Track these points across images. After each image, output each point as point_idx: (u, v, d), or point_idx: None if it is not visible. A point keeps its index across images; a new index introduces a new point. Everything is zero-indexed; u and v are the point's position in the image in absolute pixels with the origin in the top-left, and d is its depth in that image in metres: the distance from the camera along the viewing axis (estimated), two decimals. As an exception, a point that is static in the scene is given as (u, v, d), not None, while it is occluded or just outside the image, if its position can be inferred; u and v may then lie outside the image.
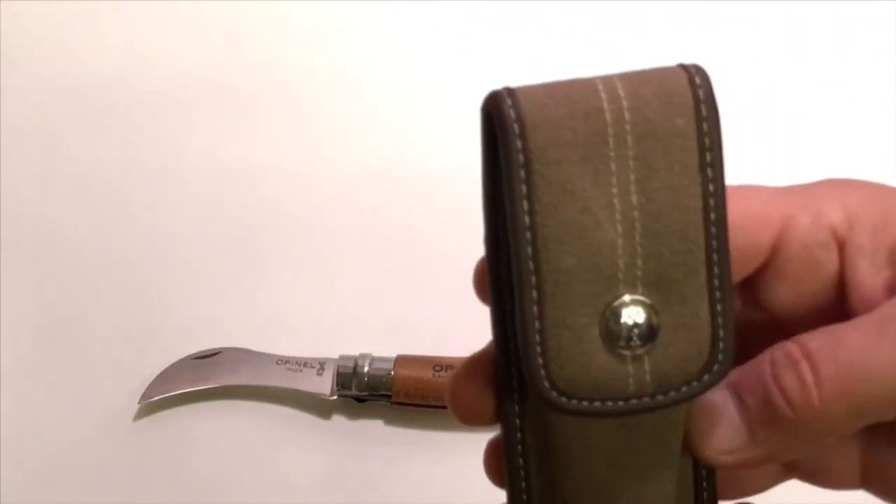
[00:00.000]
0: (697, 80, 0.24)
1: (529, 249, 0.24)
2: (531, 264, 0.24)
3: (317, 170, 0.63)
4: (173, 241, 0.61)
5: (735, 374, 0.25)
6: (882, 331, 0.24)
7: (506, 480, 0.28)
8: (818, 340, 0.24)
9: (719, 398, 0.26)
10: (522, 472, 0.28)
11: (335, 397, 0.54)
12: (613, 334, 0.24)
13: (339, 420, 0.55)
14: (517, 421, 0.27)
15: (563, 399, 0.25)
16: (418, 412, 0.54)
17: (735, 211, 0.25)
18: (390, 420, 0.55)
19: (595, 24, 0.70)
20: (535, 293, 0.24)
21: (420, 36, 0.68)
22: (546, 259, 0.24)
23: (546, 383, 0.24)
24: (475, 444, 0.53)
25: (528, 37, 0.69)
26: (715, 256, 0.25)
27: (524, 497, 0.28)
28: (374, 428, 0.55)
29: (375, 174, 0.63)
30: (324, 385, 0.54)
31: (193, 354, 0.56)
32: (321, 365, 0.55)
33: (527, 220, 0.24)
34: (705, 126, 0.24)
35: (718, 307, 0.25)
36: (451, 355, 0.53)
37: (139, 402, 0.55)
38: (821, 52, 0.69)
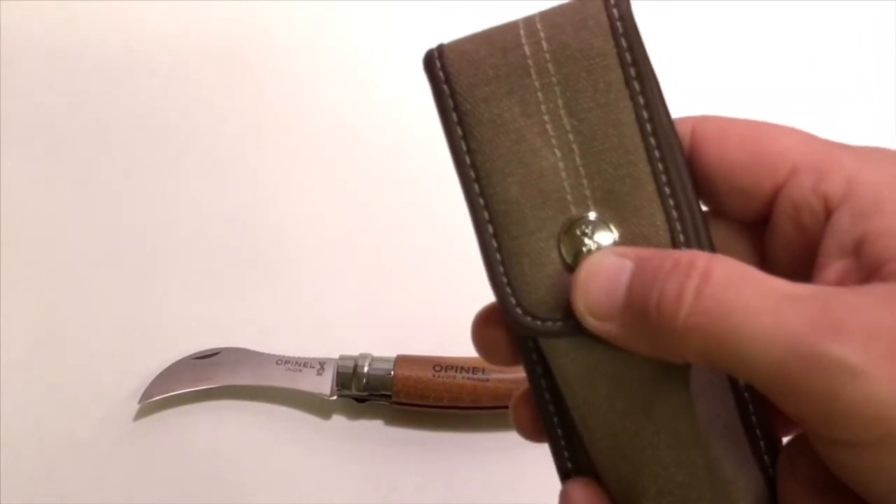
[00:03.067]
0: (612, 1, 0.25)
1: (476, 186, 0.26)
2: (481, 200, 0.26)
3: (317, 170, 0.64)
4: (173, 242, 0.61)
5: (650, 251, 0.25)
6: (779, 304, 0.23)
7: (537, 413, 0.29)
8: (725, 271, 0.23)
9: (618, 261, 0.25)
10: (551, 407, 0.28)
11: (335, 397, 0.54)
12: (572, 253, 0.25)
13: (339, 420, 0.55)
14: (534, 355, 0.28)
15: (538, 323, 0.26)
16: (418, 412, 0.54)
17: (746, 156, 0.26)
18: (390, 420, 0.55)
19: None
20: (490, 227, 0.26)
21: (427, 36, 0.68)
22: (493, 192, 0.25)
23: (518, 310, 0.26)
24: (475, 444, 0.54)
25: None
26: (660, 165, 0.25)
27: (557, 428, 0.28)
28: (374, 428, 0.55)
29: (376, 174, 0.63)
30: (324, 385, 0.54)
31: (193, 354, 0.56)
32: (321, 365, 0.55)
33: (468, 158, 0.26)
34: (624, 42, 0.25)
35: (674, 213, 0.25)
36: (451, 355, 0.53)
37: (139, 402, 0.55)
38: (821, 52, 0.69)
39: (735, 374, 0.25)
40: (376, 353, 0.55)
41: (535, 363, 0.28)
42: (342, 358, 0.55)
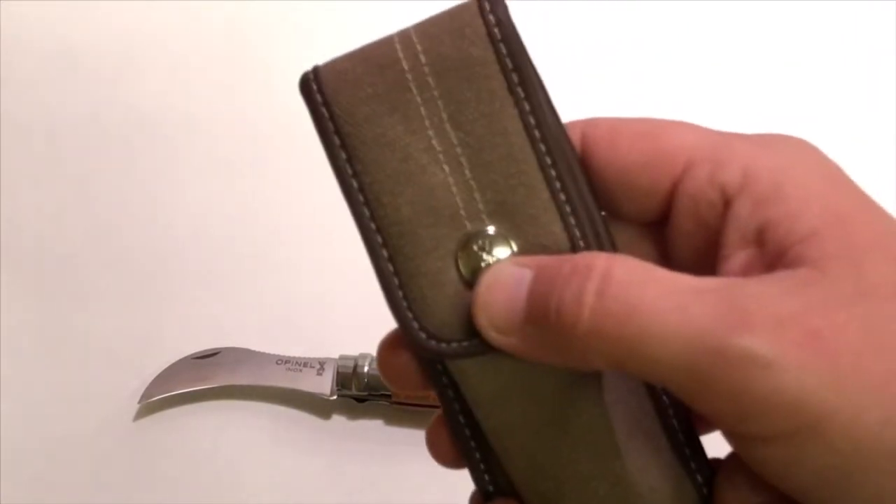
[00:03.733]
0: (487, 7, 0.25)
1: (366, 210, 0.25)
2: (372, 224, 0.25)
3: (317, 170, 0.63)
4: (174, 242, 0.61)
5: (550, 259, 0.24)
6: (684, 300, 0.22)
7: (452, 438, 0.28)
8: (626, 271, 0.23)
9: (518, 271, 0.24)
10: (467, 431, 0.27)
11: (335, 397, 0.54)
12: (471, 270, 0.25)
13: (339, 420, 0.55)
14: (444, 379, 0.27)
15: (443, 345, 0.25)
16: (418, 412, 0.54)
17: (639, 155, 0.25)
18: (390, 420, 0.55)
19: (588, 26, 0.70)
20: (384, 251, 0.25)
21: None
22: (384, 215, 0.25)
23: (422, 334, 0.25)
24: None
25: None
26: (553, 171, 0.25)
27: (474, 452, 0.28)
28: (374, 428, 0.55)
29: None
30: (324, 385, 0.54)
31: (193, 354, 0.56)
32: (321, 365, 0.55)
33: (354, 182, 0.25)
34: (503, 48, 0.24)
35: (572, 219, 0.25)
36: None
37: (139, 402, 0.55)
38: (821, 52, 0.69)
39: (645, 378, 0.24)
40: (376, 353, 0.54)
41: (446, 387, 0.27)
42: (342, 358, 0.55)
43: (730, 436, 0.23)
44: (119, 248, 0.61)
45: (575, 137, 0.26)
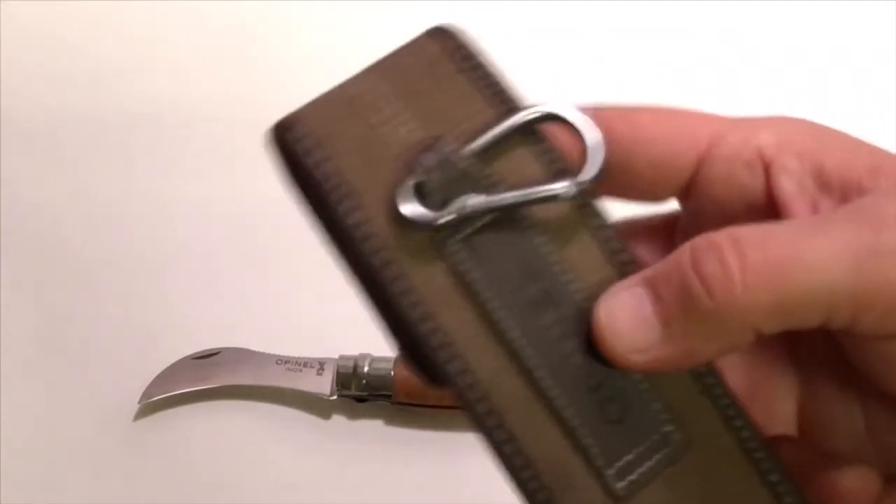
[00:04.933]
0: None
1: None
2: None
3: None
4: (173, 241, 0.61)
5: (650, 270, 0.24)
6: (816, 227, 0.22)
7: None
8: (747, 230, 0.23)
9: (632, 294, 0.24)
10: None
11: (335, 397, 0.54)
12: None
13: (339, 420, 0.55)
14: None
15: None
16: (418, 412, 0.54)
17: (661, 128, 0.25)
18: (390, 420, 0.55)
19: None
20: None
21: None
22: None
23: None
24: (475, 444, 0.53)
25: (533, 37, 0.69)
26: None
27: None
28: (374, 428, 0.55)
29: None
30: (324, 385, 0.54)
31: (193, 354, 0.56)
32: (321, 365, 0.55)
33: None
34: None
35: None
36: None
37: (139, 402, 0.55)
38: (821, 53, 0.69)
39: (812, 314, 0.23)
40: (376, 353, 0.54)
41: None
42: (342, 358, 0.55)
43: (887, 341, 0.24)
44: (119, 247, 0.61)
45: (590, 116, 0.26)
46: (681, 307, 0.23)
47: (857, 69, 0.68)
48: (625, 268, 0.25)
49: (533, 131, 0.25)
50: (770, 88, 0.67)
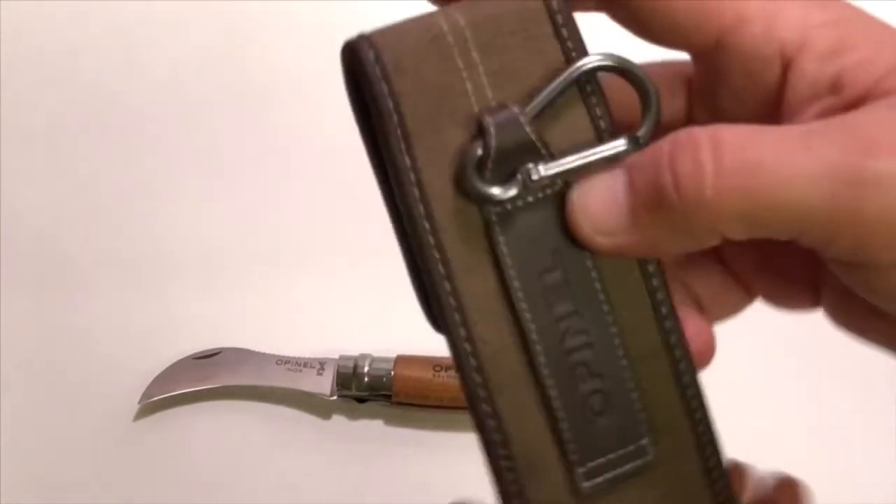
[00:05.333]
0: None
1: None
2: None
3: (317, 169, 0.63)
4: (173, 241, 0.61)
5: (634, 156, 0.24)
6: (802, 140, 0.22)
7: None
8: (733, 132, 0.22)
9: (609, 176, 0.24)
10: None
11: (335, 397, 0.54)
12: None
13: (339, 420, 0.55)
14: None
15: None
16: (418, 412, 0.54)
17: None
18: (390, 420, 0.55)
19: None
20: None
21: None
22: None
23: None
24: (475, 444, 0.53)
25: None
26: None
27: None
28: (374, 428, 0.55)
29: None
30: (324, 385, 0.54)
31: (193, 354, 0.56)
32: (321, 365, 0.55)
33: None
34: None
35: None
36: (451, 355, 0.53)
37: (139, 402, 0.55)
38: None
39: (780, 230, 0.23)
40: (376, 353, 0.55)
41: None
42: (342, 358, 0.55)
43: (861, 271, 0.23)
44: (119, 247, 0.61)
45: None
46: (650, 199, 0.23)
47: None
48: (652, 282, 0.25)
49: (590, 87, 0.25)
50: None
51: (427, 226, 0.24)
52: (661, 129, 0.25)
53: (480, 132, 0.24)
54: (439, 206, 0.24)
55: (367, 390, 0.54)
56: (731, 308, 0.29)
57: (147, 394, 0.55)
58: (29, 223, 0.62)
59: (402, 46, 0.25)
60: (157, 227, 0.62)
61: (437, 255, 0.24)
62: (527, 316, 0.24)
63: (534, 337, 0.24)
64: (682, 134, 0.22)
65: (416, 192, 0.24)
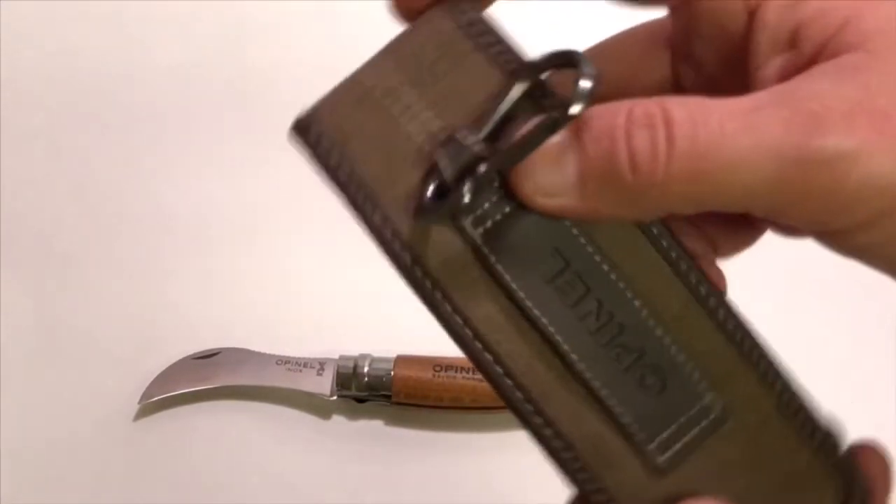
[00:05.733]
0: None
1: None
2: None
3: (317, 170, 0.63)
4: (173, 241, 0.61)
5: (586, 122, 0.23)
6: (750, 120, 0.22)
7: None
8: (683, 110, 0.22)
9: (557, 136, 0.23)
10: None
11: (335, 397, 0.54)
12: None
13: (339, 420, 0.55)
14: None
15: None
16: (418, 412, 0.54)
17: None
18: (390, 420, 0.55)
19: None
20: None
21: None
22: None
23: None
24: (475, 444, 0.54)
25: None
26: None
27: None
28: (374, 428, 0.55)
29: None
30: (324, 385, 0.54)
31: (193, 354, 0.56)
32: (321, 365, 0.55)
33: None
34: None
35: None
36: (451, 355, 0.53)
37: (139, 402, 0.55)
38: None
39: (728, 208, 0.23)
40: (376, 353, 0.55)
41: None
42: (342, 358, 0.55)
43: (821, 235, 0.24)
44: (119, 247, 0.61)
45: None
46: (601, 170, 0.23)
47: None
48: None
49: (540, 89, 0.24)
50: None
51: (419, 272, 0.25)
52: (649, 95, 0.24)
53: (431, 168, 0.24)
54: (423, 248, 0.24)
55: (367, 390, 0.54)
56: (742, 244, 0.29)
57: (147, 394, 0.55)
58: (29, 223, 0.62)
59: (339, 115, 0.25)
60: (157, 227, 0.62)
61: (438, 295, 0.25)
62: (544, 321, 0.25)
63: (558, 338, 0.25)
64: (638, 108, 0.22)
65: (397, 243, 0.25)
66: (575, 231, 0.25)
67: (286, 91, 0.68)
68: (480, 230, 0.24)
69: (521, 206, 0.24)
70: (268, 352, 0.56)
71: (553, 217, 0.24)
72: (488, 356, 0.25)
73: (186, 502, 0.53)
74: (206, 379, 0.55)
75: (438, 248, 0.25)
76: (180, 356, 0.56)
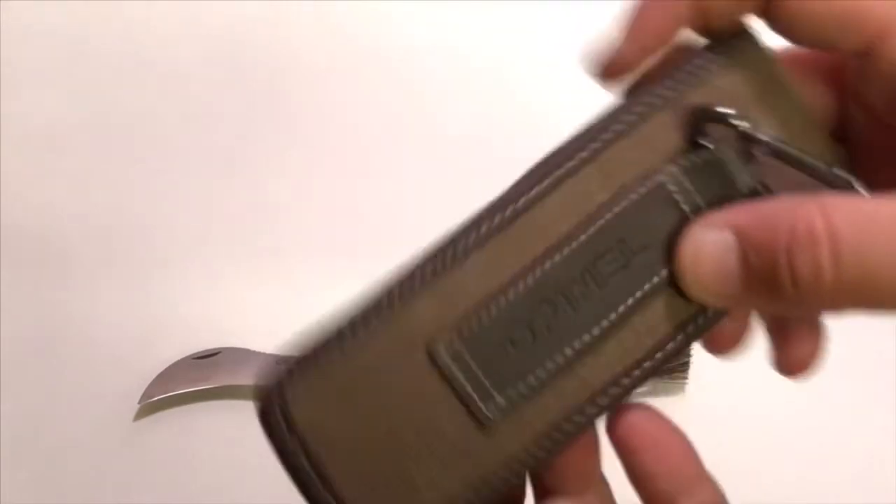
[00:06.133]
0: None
1: None
2: None
3: (317, 169, 0.63)
4: (174, 241, 0.61)
5: (743, 214, 0.24)
6: None
7: None
8: (849, 223, 0.22)
9: (720, 238, 0.24)
10: None
11: (335, 397, 0.54)
12: None
13: (339, 420, 0.55)
14: None
15: None
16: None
17: (836, 4, 0.25)
18: (390, 420, 0.55)
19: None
20: None
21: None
22: None
23: None
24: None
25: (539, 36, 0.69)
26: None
27: None
28: (374, 428, 0.55)
29: (375, 173, 0.63)
30: (324, 385, 0.54)
31: (193, 354, 0.56)
32: (321, 365, 0.55)
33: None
34: None
35: None
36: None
37: (139, 402, 0.55)
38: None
39: (889, 312, 0.23)
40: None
41: None
42: (342, 358, 0.55)
43: None
44: (119, 247, 0.61)
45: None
46: (766, 282, 0.23)
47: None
48: None
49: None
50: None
51: None
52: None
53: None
54: None
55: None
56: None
57: (147, 394, 0.55)
58: (29, 223, 0.62)
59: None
60: (157, 226, 0.62)
61: None
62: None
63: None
64: (801, 222, 0.22)
65: None
66: None
67: (288, 91, 0.69)
68: None
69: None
70: (268, 352, 0.56)
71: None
72: None
73: (186, 502, 0.53)
74: (206, 379, 0.55)
75: None
76: (180, 356, 0.56)
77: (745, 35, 0.27)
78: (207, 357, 0.56)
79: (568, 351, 0.25)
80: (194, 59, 0.69)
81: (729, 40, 0.26)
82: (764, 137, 0.25)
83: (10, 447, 0.54)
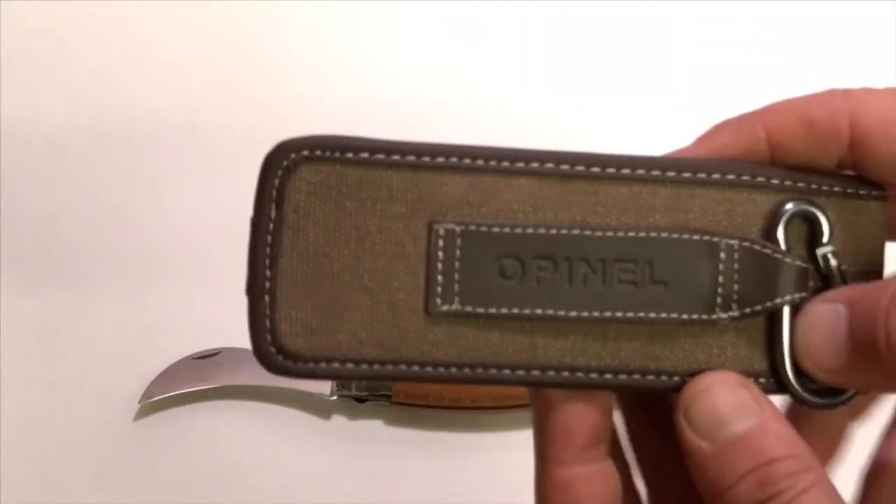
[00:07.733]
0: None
1: None
2: None
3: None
4: (174, 241, 0.61)
5: (858, 290, 0.25)
6: None
7: None
8: None
9: (834, 313, 0.25)
10: None
11: (335, 397, 0.54)
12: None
13: (339, 420, 0.55)
14: None
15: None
16: (418, 412, 0.54)
17: (870, 118, 0.25)
18: (390, 420, 0.55)
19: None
20: None
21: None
22: None
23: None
24: (475, 444, 0.54)
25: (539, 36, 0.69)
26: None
27: None
28: (374, 428, 0.55)
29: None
30: (324, 385, 0.54)
31: (193, 354, 0.56)
32: (321, 365, 0.55)
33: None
34: None
35: None
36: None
37: (139, 402, 0.55)
38: (821, 53, 0.69)
39: None
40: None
41: None
42: (342, 358, 0.55)
43: None
44: (119, 247, 0.61)
45: (842, 126, 0.26)
46: (867, 349, 0.24)
47: (857, 70, 0.68)
48: None
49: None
50: (769, 90, 0.67)
51: None
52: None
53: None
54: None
55: (367, 390, 0.54)
56: None
57: (147, 394, 0.55)
58: (29, 223, 0.62)
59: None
60: (157, 226, 0.62)
61: None
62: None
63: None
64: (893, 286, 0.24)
65: None
66: None
67: (288, 91, 0.69)
68: None
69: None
70: (268, 352, 0.56)
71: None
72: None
73: (186, 502, 0.53)
74: (206, 379, 0.55)
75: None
76: (180, 356, 0.56)
77: (876, 187, 0.27)
78: (207, 357, 0.56)
79: (538, 312, 0.25)
80: (196, 60, 0.69)
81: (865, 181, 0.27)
82: (837, 275, 0.26)
83: (10, 447, 0.54)
